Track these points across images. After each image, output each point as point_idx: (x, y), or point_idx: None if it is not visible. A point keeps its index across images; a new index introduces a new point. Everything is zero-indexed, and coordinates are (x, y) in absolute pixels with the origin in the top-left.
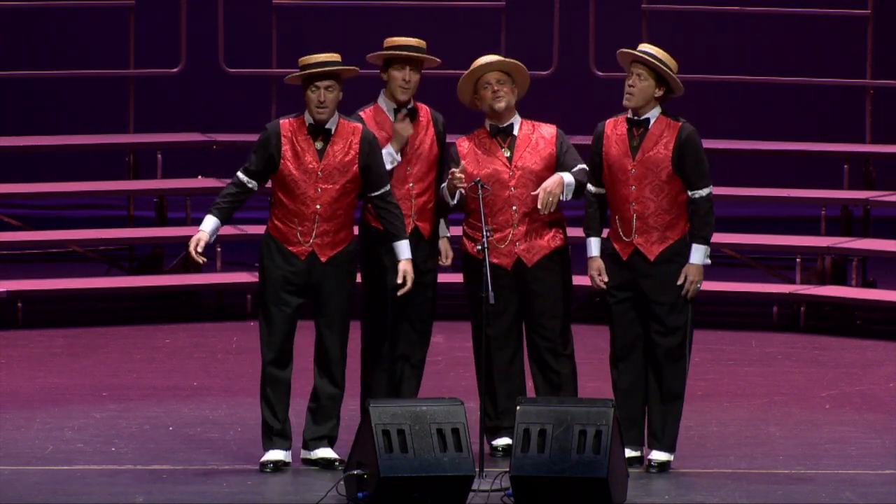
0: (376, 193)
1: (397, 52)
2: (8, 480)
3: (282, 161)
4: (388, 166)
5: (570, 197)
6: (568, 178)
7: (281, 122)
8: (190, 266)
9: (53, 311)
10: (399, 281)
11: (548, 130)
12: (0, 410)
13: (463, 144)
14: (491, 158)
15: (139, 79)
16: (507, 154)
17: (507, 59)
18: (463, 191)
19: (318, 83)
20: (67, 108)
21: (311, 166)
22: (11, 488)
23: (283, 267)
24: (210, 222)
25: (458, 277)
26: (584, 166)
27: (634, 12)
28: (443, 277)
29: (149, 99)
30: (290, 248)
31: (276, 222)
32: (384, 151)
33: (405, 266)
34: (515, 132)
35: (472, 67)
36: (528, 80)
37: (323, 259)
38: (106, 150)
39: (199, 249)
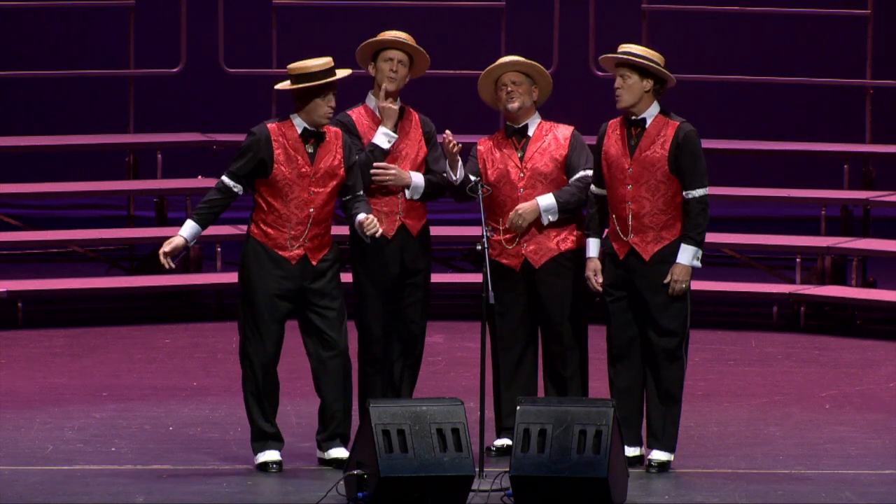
0: (351, 196)
1: (386, 39)
2: (8, 480)
3: (275, 165)
4: (387, 146)
5: (555, 217)
6: (545, 201)
7: (269, 126)
8: (190, 266)
9: (53, 311)
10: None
11: (563, 132)
12: (0, 410)
13: (483, 144)
14: (504, 159)
15: (139, 79)
16: (520, 155)
17: (526, 60)
18: (474, 185)
19: (330, 91)
20: (67, 108)
21: (304, 170)
22: (11, 488)
23: (274, 273)
24: (189, 227)
25: (457, 277)
26: (585, 173)
27: (634, 12)
28: (441, 277)
29: (149, 99)
30: (281, 254)
31: (264, 228)
32: (380, 132)
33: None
34: (530, 133)
35: (490, 66)
36: (549, 82)
37: (314, 262)
38: (106, 150)
39: (167, 250)
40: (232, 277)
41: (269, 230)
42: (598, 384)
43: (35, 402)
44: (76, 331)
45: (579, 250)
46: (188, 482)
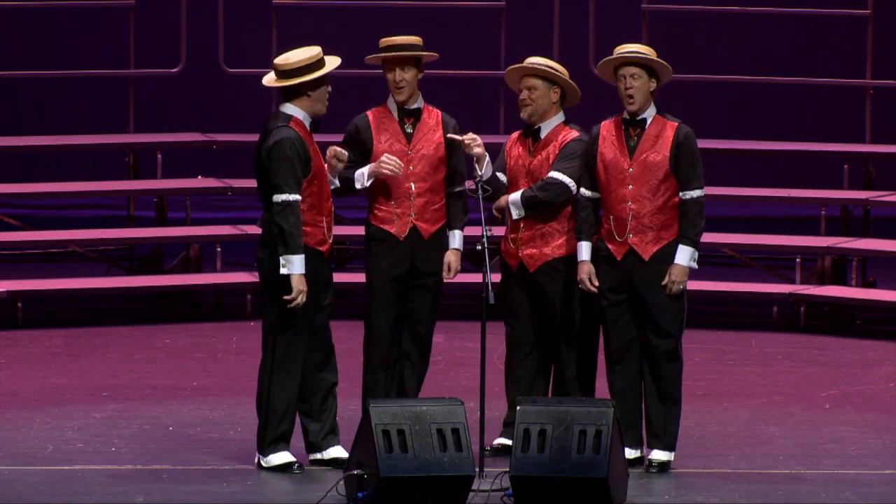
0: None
1: (385, 55)
2: (8, 480)
3: (311, 161)
4: (358, 186)
5: (520, 212)
6: (514, 197)
7: (292, 126)
8: (190, 266)
9: (53, 311)
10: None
11: (568, 136)
12: (0, 410)
13: (512, 136)
14: (518, 158)
15: (139, 79)
16: (529, 156)
17: (543, 66)
18: (475, 185)
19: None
20: (67, 108)
21: (319, 163)
22: (11, 488)
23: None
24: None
25: (457, 277)
26: (554, 175)
27: (634, 12)
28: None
29: (149, 99)
30: (320, 248)
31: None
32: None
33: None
34: (542, 135)
35: (516, 66)
36: (574, 86)
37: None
38: (106, 150)
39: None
40: (232, 277)
41: (307, 228)
42: (599, 384)
43: (35, 402)
44: (76, 331)
45: (571, 256)
46: (188, 482)
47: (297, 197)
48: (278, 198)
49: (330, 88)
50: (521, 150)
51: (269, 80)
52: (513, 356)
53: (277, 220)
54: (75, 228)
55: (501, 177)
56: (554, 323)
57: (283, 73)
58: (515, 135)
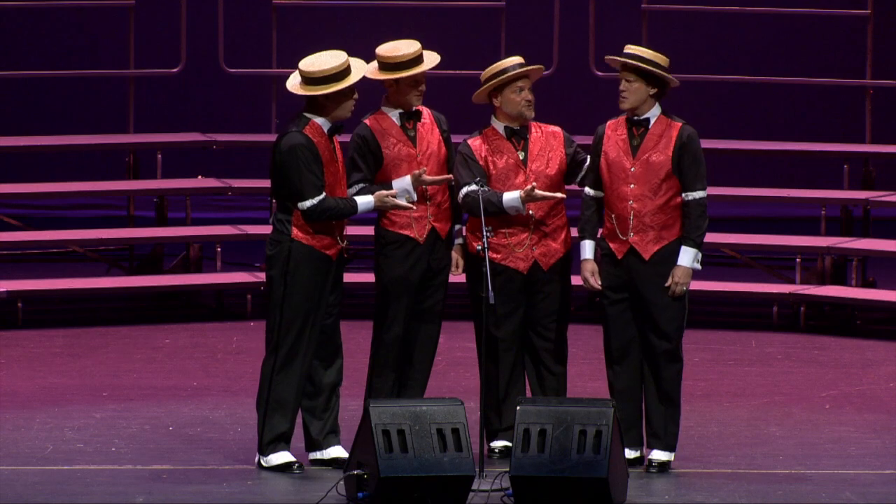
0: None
1: (411, 74)
2: (8, 480)
3: (325, 168)
4: (402, 201)
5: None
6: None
7: (305, 132)
8: (190, 266)
9: (53, 311)
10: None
11: (555, 133)
12: (0, 410)
13: (477, 146)
14: (506, 161)
15: (139, 79)
16: (522, 157)
17: (534, 66)
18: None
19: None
20: (67, 108)
21: (333, 167)
22: (11, 488)
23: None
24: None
25: (457, 277)
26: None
27: (634, 12)
28: None
29: (149, 99)
30: (328, 253)
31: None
32: (363, 202)
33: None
34: (527, 135)
35: (502, 69)
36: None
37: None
38: (106, 150)
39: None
40: (232, 277)
41: (316, 231)
42: (598, 384)
43: (35, 402)
44: (76, 331)
45: (570, 251)
46: (188, 482)
47: (321, 196)
48: (303, 206)
49: (356, 95)
50: (507, 152)
51: (294, 86)
52: (500, 361)
53: (318, 223)
54: (75, 228)
55: (475, 185)
56: (551, 318)
57: (307, 80)
58: (478, 142)
